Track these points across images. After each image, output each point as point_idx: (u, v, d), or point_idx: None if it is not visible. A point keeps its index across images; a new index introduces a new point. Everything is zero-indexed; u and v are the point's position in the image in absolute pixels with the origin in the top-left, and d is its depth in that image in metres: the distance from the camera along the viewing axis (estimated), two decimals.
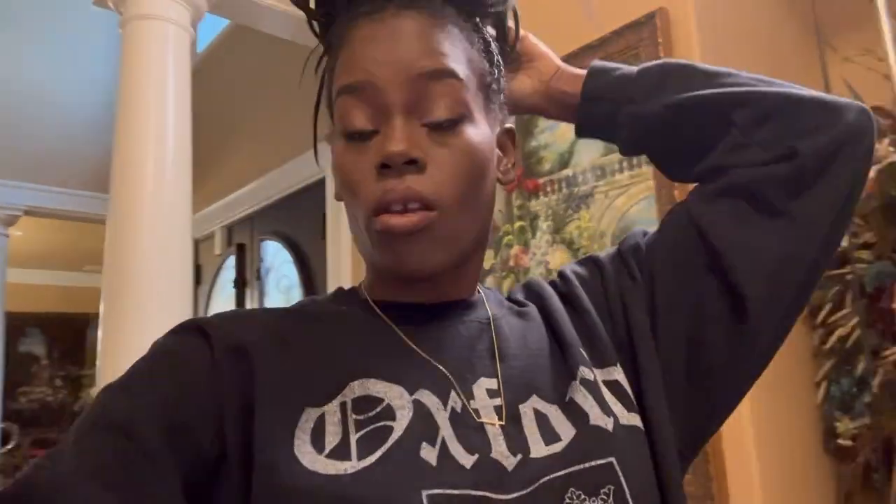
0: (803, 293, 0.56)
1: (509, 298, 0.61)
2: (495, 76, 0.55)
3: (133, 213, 1.41)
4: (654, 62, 0.61)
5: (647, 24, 1.47)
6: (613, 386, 0.53)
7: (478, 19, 0.54)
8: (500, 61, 0.57)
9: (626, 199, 1.47)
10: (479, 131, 0.51)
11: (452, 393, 0.48)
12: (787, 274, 0.54)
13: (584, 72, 0.62)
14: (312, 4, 0.55)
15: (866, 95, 1.59)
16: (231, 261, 3.40)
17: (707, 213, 0.56)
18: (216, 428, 0.45)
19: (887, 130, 1.49)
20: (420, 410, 0.46)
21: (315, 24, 0.56)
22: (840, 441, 1.45)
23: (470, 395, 0.49)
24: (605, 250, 0.62)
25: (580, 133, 0.64)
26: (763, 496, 1.28)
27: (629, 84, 0.59)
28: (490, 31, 0.56)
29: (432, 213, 0.48)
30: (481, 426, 0.47)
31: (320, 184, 2.70)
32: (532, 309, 0.59)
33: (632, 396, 0.54)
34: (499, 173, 0.56)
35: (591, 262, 0.62)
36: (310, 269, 2.82)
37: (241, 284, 3.30)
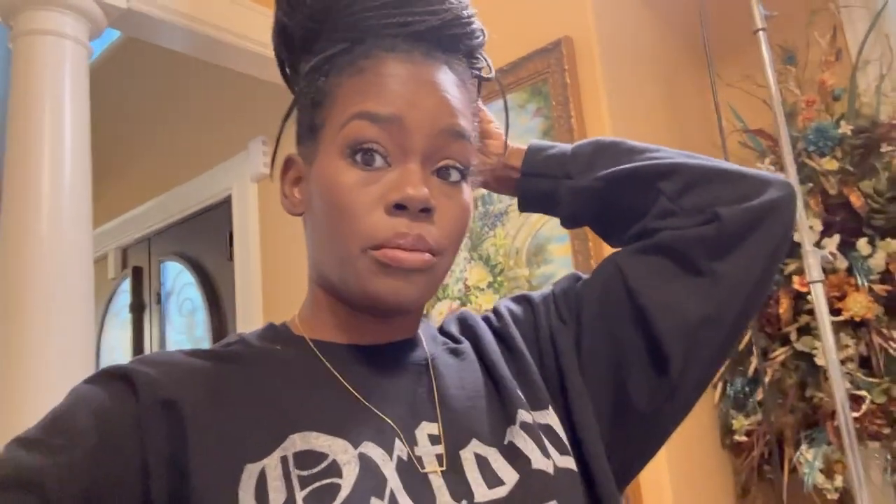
0: (721, 352, 0.59)
1: (442, 330, 0.62)
2: (477, 133, 0.57)
3: (28, 235, 1.32)
4: (587, 141, 0.64)
5: (553, 50, 1.55)
6: (547, 429, 0.54)
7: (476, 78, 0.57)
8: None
9: (539, 217, 1.52)
10: (469, 190, 0.54)
11: (397, 441, 0.48)
12: (706, 334, 0.56)
13: (524, 148, 0.64)
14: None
15: (748, 119, 1.75)
16: (126, 284, 3.22)
17: (635, 268, 0.58)
18: (141, 488, 0.43)
19: (768, 151, 1.64)
20: (366, 464, 0.46)
21: (285, 20, 0.55)
22: (736, 437, 1.56)
23: (413, 442, 0.49)
24: (538, 291, 0.65)
25: (522, 207, 0.66)
26: (672, 491, 1.36)
27: (566, 161, 0.62)
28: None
29: (435, 258, 0.50)
30: (425, 476, 0.47)
31: (226, 202, 2.61)
32: (467, 346, 0.60)
33: (564, 439, 0.55)
34: None
35: (524, 301, 0.64)
36: (216, 291, 2.72)
37: (138, 309, 3.13)
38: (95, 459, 0.42)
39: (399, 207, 0.48)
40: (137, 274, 3.16)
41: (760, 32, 1.38)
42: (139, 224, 3.13)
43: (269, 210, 2.44)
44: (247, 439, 0.45)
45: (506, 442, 0.52)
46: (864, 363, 1.39)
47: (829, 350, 1.25)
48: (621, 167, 0.60)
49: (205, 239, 2.78)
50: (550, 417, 0.56)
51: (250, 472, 0.43)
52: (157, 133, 3.14)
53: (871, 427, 1.35)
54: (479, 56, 0.57)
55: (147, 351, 3.06)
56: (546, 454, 0.52)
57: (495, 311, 0.64)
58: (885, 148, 1.49)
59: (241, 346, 0.54)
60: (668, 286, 0.57)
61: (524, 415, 0.54)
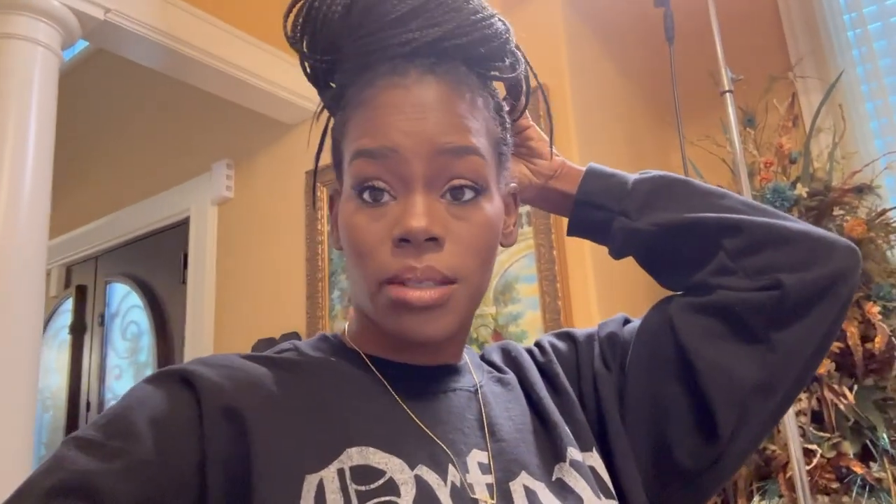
0: (772, 420, 0.57)
1: (483, 358, 0.61)
2: (507, 141, 0.55)
3: None
4: (650, 174, 0.62)
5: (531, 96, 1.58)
6: (593, 471, 0.53)
7: (491, 83, 0.54)
8: (510, 124, 0.56)
9: (508, 256, 1.54)
10: (493, 204, 0.51)
11: (451, 468, 0.47)
12: (759, 402, 0.55)
13: (582, 170, 0.62)
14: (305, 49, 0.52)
15: (708, 175, 1.82)
16: (68, 304, 3.08)
17: (689, 326, 0.56)
18: (197, 494, 0.41)
19: None
20: (423, 487, 0.45)
21: (307, 64, 0.53)
22: None
23: (465, 469, 0.48)
24: (583, 329, 0.63)
25: (571, 232, 0.64)
26: None
27: (624, 196, 0.60)
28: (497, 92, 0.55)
29: (450, 288, 0.48)
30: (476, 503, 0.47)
31: (182, 225, 2.55)
32: (512, 378, 0.58)
33: (608, 484, 0.53)
34: (501, 236, 0.54)
35: (568, 339, 0.62)
36: (164, 315, 2.62)
37: (79, 330, 2.99)
38: (152, 466, 0.41)
39: (404, 241, 0.47)
40: (81, 293, 3.03)
41: (727, 94, 1.45)
42: (87, 241, 3.02)
43: (227, 234, 2.38)
44: (305, 449, 0.44)
45: (554, 478, 0.51)
46: (816, 418, 1.42)
47: None
48: (683, 217, 0.58)
49: (157, 261, 2.70)
50: (595, 460, 0.54)
51: (310, 484, 0.42)
52: (115, 148, 3.06)
53: (821, 481, 1.38)
54: (503, 58, 0.53)
55: (84, 375, 2.92)
56: (597, 495, 0.51)
57: (538, 345, 0.62)
58: (837, 211, 1.57)
59: (296, 354, 0.53)
60: (722, 349, 0.55)
61: (574, 453, 0.53)
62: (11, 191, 1.28)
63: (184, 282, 2.48)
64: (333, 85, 0.54)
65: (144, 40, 1.68)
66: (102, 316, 2.91)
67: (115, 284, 2.89)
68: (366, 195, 0.48)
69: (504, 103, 0.56)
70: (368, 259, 0.48)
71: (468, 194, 0.49)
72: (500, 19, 0.52)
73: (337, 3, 0.49)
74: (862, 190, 1.58)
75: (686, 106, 1.80)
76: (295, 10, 0.51)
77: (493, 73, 0.53)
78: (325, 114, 0.57)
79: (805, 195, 1.57)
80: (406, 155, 0.47)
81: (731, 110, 1.43)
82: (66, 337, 3.02)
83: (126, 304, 2.84)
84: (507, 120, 0.56)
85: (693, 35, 1.64)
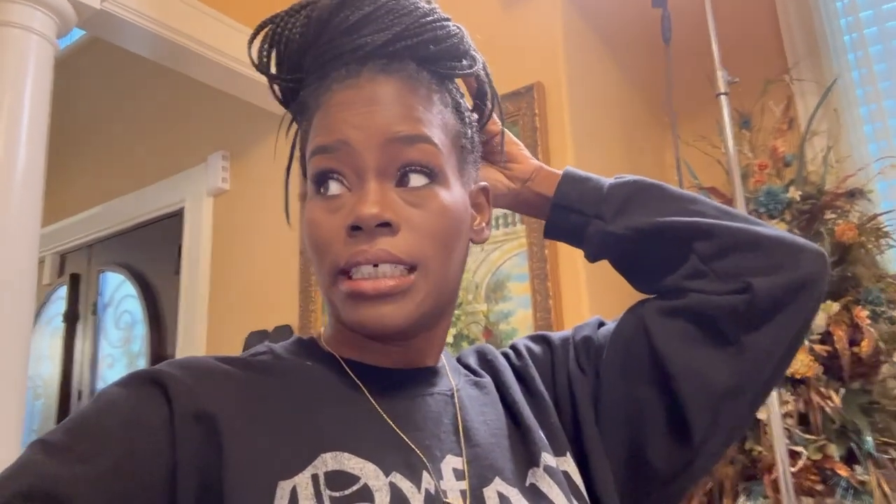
0: (743, 422, 0.59)
1: (461, 361, 0.61)
2: (469, 136, 0.55)
3: None
4: (625, 179, 0.62)
5: (525, 95, 1.59)
6: (566, 476, 0.54)
7: (450, 83, 0.55)
8: (473, 120, 0.58)
9: (501, 254, 1.54)
10: (452, 193, 0.51)
11: (425, 474, 0.47)
12: (730, 405, 0.56)
13: (559, 174, 0.63)
14: (273, 69, 0.54)
15: (702, 176, 1.83)
16: (62, 292, 3.08)
17: (662, 330, 0.57)
18: (168, 501, 0.41)
19: None
20: (396, 494, 0.45)
21: (277, 87, 0.55)
22: None
23: (439, 475, 0.48)
24: (558, 333, 0.64)
25: (548, 235, 0.65)
26: None
27: (599, 200, 0.61)
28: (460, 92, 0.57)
29: (409, 278, 0.48)
30: None
31: (177, 215, 2.54)
32: (488, 381, 0.59)
33: (581, 489, 0.54)
34: (472, 232, 0.55)
35: (543, 342, 0.63)
36: (158, 306, 2.63)
37: (72, 319, 2.99)
38: (121, 471, 0.41)
39: (356, 228, 0.47)
40: (74, 282, 3.03)
41: (722, 96, 1.45)
42: (81, 230, 3.01)
43: (223, 226, 2.38)
44: (279, 455, 0.44)
45: (527, 484, 0.51)
46: (802, 420, 1.43)
47: (772, 404, 1.29)
48: (656, 221, 0.59)
49: (151, 251, 2.69)
50: (569, 465, 0.55)
51: (283, 491, 0.42)
52: (112, 137, 3.05)
53: (806, 483, 1.39)
54: (458, 58, 0.54)
55: (77, 363, 2.92)
56: (570, 500, 0.51)
57: (514, 348, 0.63)
58: (829, 215, 1.57)
59: (272, 357, 0.53)
60: (694, 353, 0.56)
61: (548, 458, 0.53)
62: (4, 178, 1.28)
63: (178, 272, 2.48)
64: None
65: (140, 30, 1.67)
66: (95, 305, 2.90)
67: (109, 273, 2.89)
68: (322, 188, 0.50)
69: (464, 102, 0.57)
70: (325, 252, 0.49)
71: (421, 180, 0.50)
72: (454, 24, 0.54)
73: (296, 23, 0.51)
74: (854, 194, 1.58)
75: (682, 106, 1.80)
76: (259, 38, 0.53)
77: (448, 71, 0.54)
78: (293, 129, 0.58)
79: (798, 199, 1.58)
80: (357, 147, 0.49)
81: (725, 112, 1.43)
82: (59, 324, 3.02)
83: (120, 294, 2.84)
84: (470, 119, 0.57)
85: (690, 36, 1.64)
